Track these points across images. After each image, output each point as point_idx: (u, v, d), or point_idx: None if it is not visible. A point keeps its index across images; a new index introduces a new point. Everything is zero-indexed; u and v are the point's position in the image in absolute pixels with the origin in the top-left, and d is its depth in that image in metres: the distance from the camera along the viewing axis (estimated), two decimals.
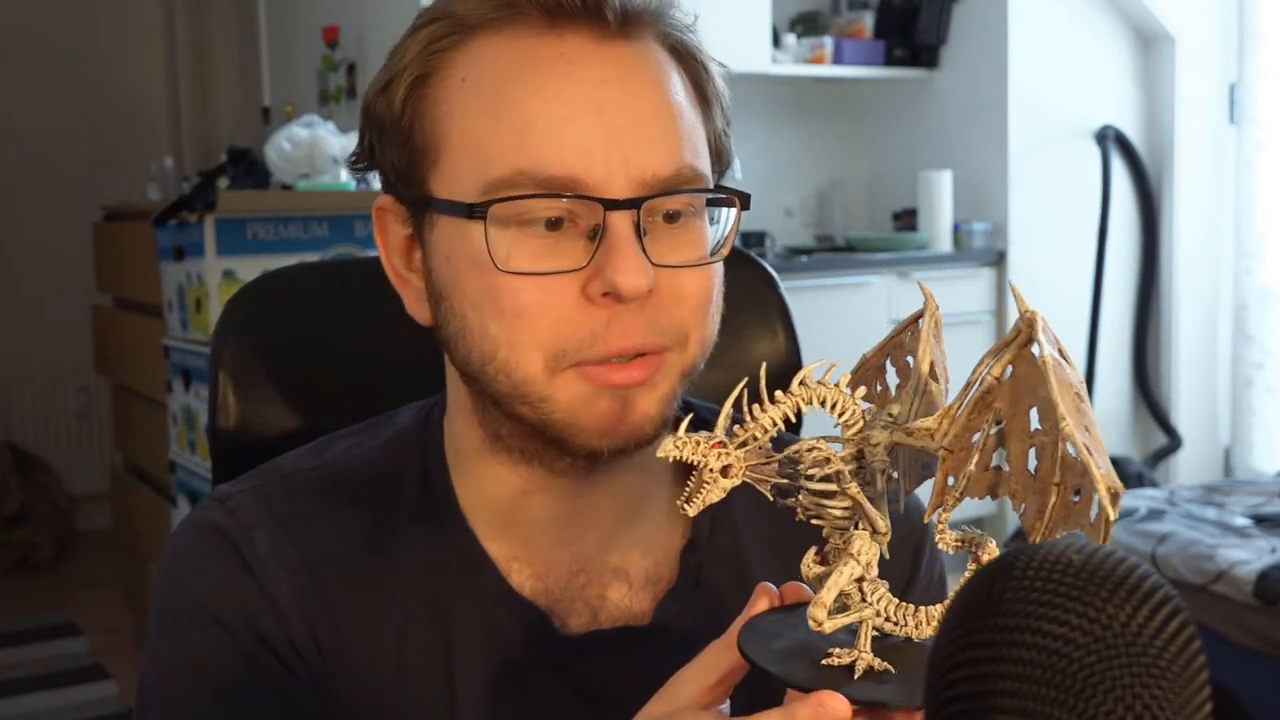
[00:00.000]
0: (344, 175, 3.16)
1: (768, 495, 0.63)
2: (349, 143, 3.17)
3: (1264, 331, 4.52)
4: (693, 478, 0.61)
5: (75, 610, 4.08)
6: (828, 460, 0.61)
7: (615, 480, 0.84)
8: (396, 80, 0.80)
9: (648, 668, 0.79)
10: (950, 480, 0.60)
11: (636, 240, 0.75)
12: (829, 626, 0.61)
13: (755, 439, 0.61)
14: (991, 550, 0.63)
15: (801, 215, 4.71)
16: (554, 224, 0.76)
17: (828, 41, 4.34)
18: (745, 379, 0.63)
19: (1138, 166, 4.47)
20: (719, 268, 0.82)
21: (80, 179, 4.82)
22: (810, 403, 0.61)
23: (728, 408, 0.62)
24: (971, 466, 0.59)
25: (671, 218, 0.78)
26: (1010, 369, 0.59)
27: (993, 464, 0.60)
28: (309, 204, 3.11)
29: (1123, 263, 4.49)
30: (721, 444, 0.60)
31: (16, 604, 4.19)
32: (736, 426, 0.61)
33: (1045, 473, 0.57)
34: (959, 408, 0.59)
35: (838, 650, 0.61)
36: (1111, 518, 0.55)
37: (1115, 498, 0.55)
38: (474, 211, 0.76)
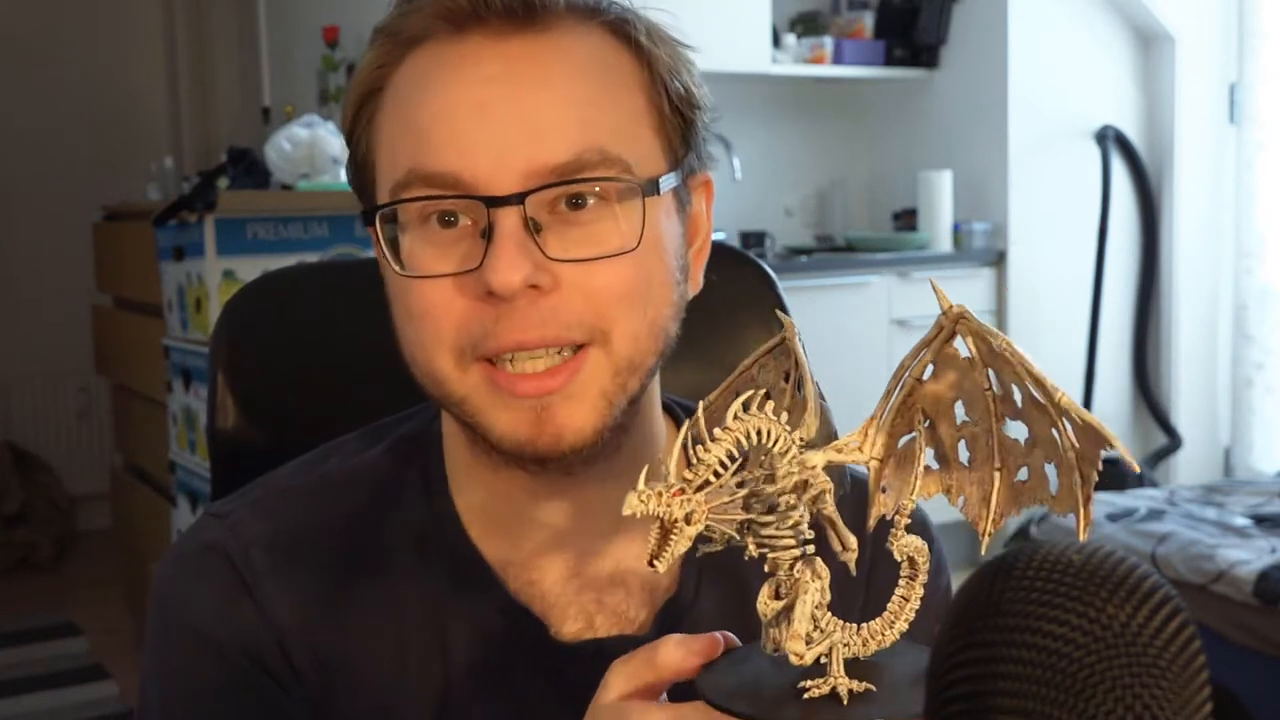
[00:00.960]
0: (344, 175, 3.16)
1: (732, 533, 0.61)
2: None
3: (1264, 331, 4.52)
4: (654, 531, 0.59)
5: (75, 610, 4.08)
6: (807, 484, 0.60)
7: (606, 485, 0.82)
8: (349, 99, 0.81)
9: None
10: (883, 488, 0.60)
11: (524, 236, 0.74)
12: (809, 657, 0.60)
13: (710, 480, 0.59)
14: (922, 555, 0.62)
15: (801, 215, 4.71)
16: (448, 221, 0.76)
17: (828, 41, 4.34)
18: (690, 417, 0.62)
19: (1138, 166, 4.46)
20: (654, 259, 0.78)
21: (80, 179, 4.81)
22: (748, 435, 0.59)
23: (677, 451, 0.59)
24: (921, 467, 0.59)
25: (576, 205, 0.76)
26: (931, 368, 0.59)
27: (924, 464, 0.60)
28: (309, 204, 3.11)
29: (1123, 263, 4.49)
30: (681, 491, 0.58)
31: (16, 604, 4.19)
32: (687, 471, 0.59)
33: (982, 460, 0.58)
34: (882, 415, 0.59)
35: (813, 682, 0.60)
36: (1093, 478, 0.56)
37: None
38: (367, 219, 0.78)
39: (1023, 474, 0.58)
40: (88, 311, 4.44)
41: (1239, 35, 4.51)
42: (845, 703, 0.59)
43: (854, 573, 0.64)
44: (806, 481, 0.60)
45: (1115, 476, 4.18)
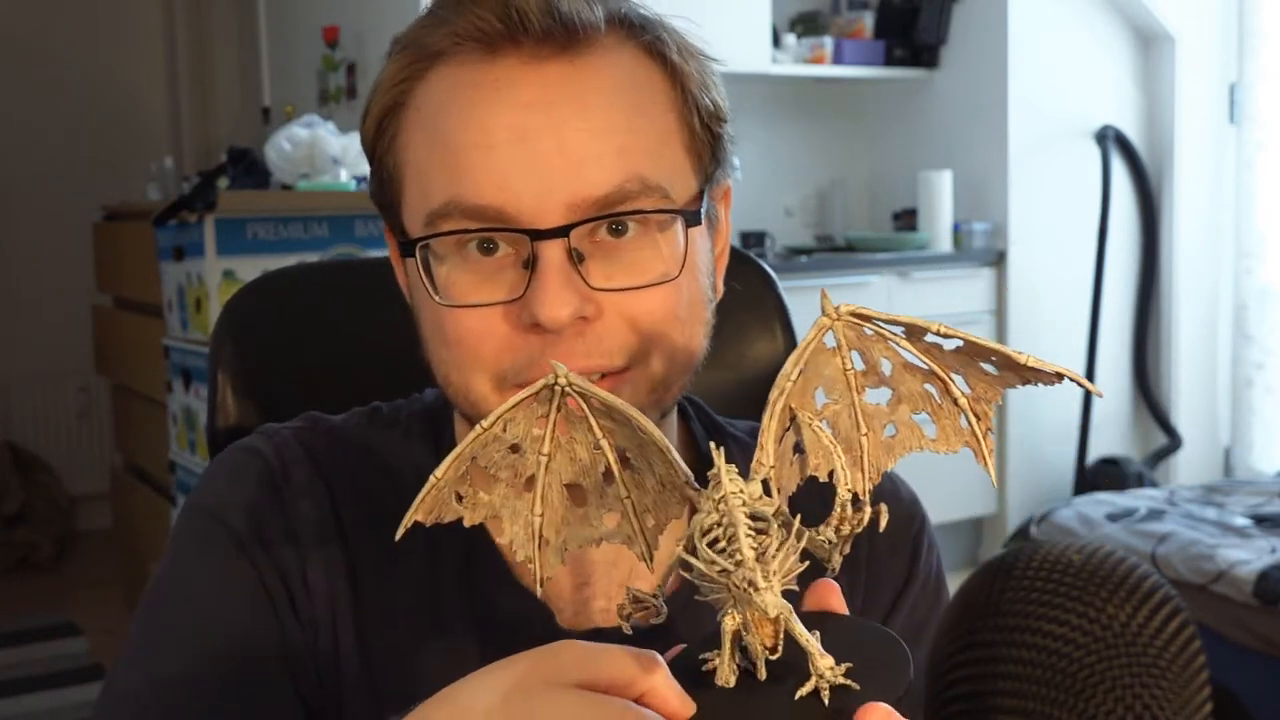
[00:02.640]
0: (344, 175, 3.16)
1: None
2: (349, 143, 3.17)
3: (1264, 331, 4.52)
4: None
5: (75, 610, 4.08)
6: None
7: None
8: (370, 112, 0.81)
9: None
10: (777, 489, 0.62)
11: (569, 268, 0.74)
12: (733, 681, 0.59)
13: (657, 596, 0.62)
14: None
15: (801, 215, 4.71)
16: (488, 250, 0.76)
17: (828, 41, 4.34)
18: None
19: (1138, 166, 4.46)
20: (693, 280, 0.79)
21: (80, 179, 4.82)
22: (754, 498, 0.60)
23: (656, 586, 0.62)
24: (790, 459, 0.63)
25: (617, 232, 0.76)
26: (800, 370, 0.62)
27: (793, 457, 0.64)
28: (309, 204, 3.11)
29: (1123, 263, 4.49)
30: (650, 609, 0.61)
31: (16, 604, 4.19)
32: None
33: (848, 430, 0.63)
34: (765, 428, 0.61)
35: (804, 687, 0.60)
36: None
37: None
38: (407, 250, 0.78)
39: (889, 430, 0.63)
40: (88, 311, 4.44)
41: (1239, 35, 4.51)
42: (858, 687, 0.59)
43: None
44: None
45: (1115, 476, 4.18)
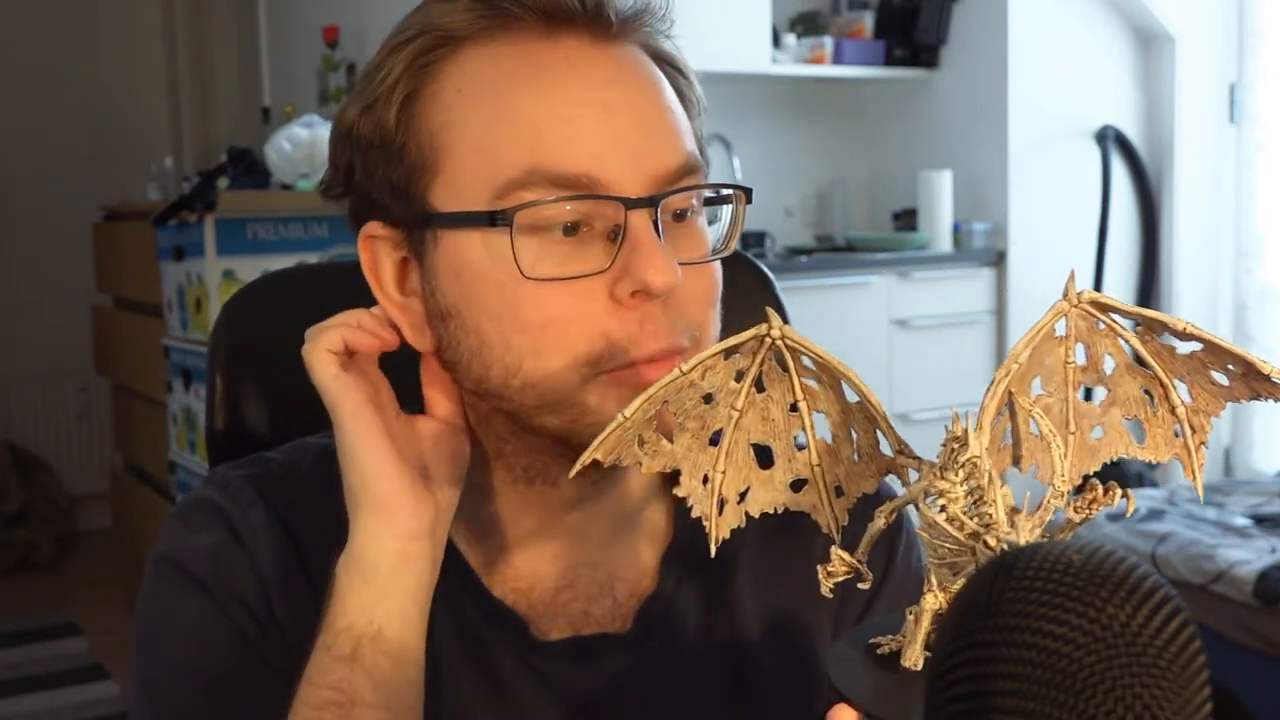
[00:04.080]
0: None
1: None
2: None
3: (1264, 331, 4.52)
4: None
5: (75, 610, 4.08)
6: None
7: (603, 498, 0.84)
8: (384, 99, 0.78)
9: (625, 673, 0.79)
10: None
11: (658, 237, 0.74)
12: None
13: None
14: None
15: (801, 215, 4.71)
16: (571, 229, 0.75)
17: (828, 41, 4.34)
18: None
19: (1138, 166, 4.47)
20: (718, 266, 0.82)
21: (80, 179, 4.81)
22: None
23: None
24: (998, 446, 0.62)
25: (679, 216, 0.78)
26: (1030, 353, 0.61)
27: (1003, 444, 0.62)
28: (309, 204, 3.11)
29: (1123, 263, 4.49)
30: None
31: (16, 604, 4.19)
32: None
33: (1057, 424, 0.61)
34: (984, 411, 0.60)
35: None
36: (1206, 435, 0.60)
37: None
38: (497, 219, 0.74)
39: (1097, 433, 0.62)
40: (88, 311, 4.44)
41: (1239, 35, 4.51)
42: None
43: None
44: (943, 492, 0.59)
45: (1115, 476, 4.17)
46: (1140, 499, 3.33)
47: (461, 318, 0.78)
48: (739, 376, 0.62)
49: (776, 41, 4.25)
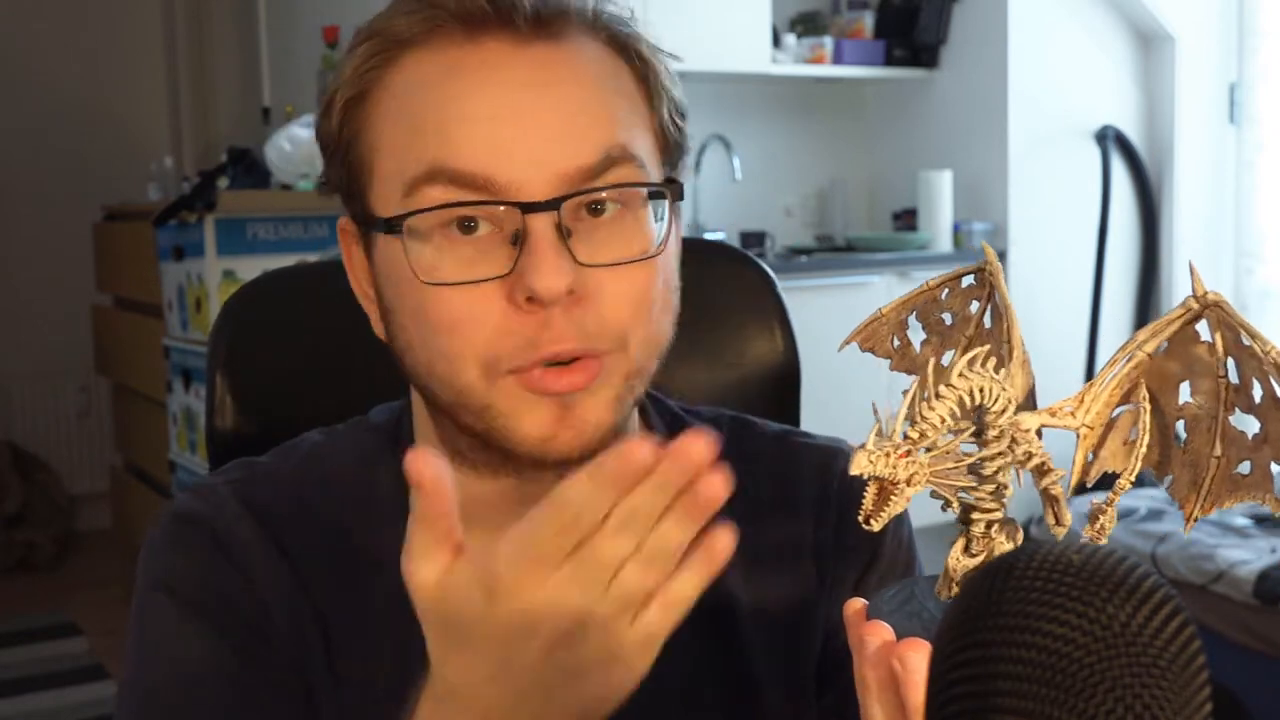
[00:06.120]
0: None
1: (950, 499, 0.61)
2: None
3: (1264, 331, 4.50)
4: (871, 489, 0.58)
5: (75, 610, 4.08)
6: (1017, 446, 0.59)
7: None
8: (334, 101, 0.80)
9: None
10: (1089, 456, 0.60)
11: (559, 241, 0.74)
12: None
13: (934, 443, 0.58)
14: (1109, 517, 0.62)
15: (801, 215, 4.71)
16: (469, 228, 0.75)
17: (828, 41, 4.34)
18: (914, 379, 0.60)
19: (1138, 166, 4.46)
20: (667, 263, 0.80)
21: (80, 179, 4.81)
22: (970, 393, 0.58)
23: (904, 406, 0.59)
24: (1145, 439, 0.60)
25: (596, 211, 0.76)
26: (1165, 346, 0.58)
27: (1130, 438, 0.60)
28: (309, 204, 3.11)
29: (1123, 263, 4.49)
30: (908, 453, 0.57)
31: (16, 604, 4.19)
32: (911, 430, 0.58)
33: (1199, 445, 0.57)
34: (1102, 384, 0.59)
35: None
36: None
37: None
38: (391, 226, 0.76)
39: (1244, 467, 0.57)
40: (88, 311, 4.45)
41: (1239, 35, 4.51)
42: None
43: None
44: (1016, 443, 0.59)
45: (1113, 476, 4.17)
46: (1140, 499, 3.33)
47: (395, 315, 0.80)
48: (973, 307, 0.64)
49: (776, 41, 4.24)
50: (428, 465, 0.57)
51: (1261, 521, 3.07)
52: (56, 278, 4.85)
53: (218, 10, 5.06)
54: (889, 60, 4.44)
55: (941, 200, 4.22)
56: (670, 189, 0.79)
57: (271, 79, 4.49)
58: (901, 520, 0.94)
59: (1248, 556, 2.82)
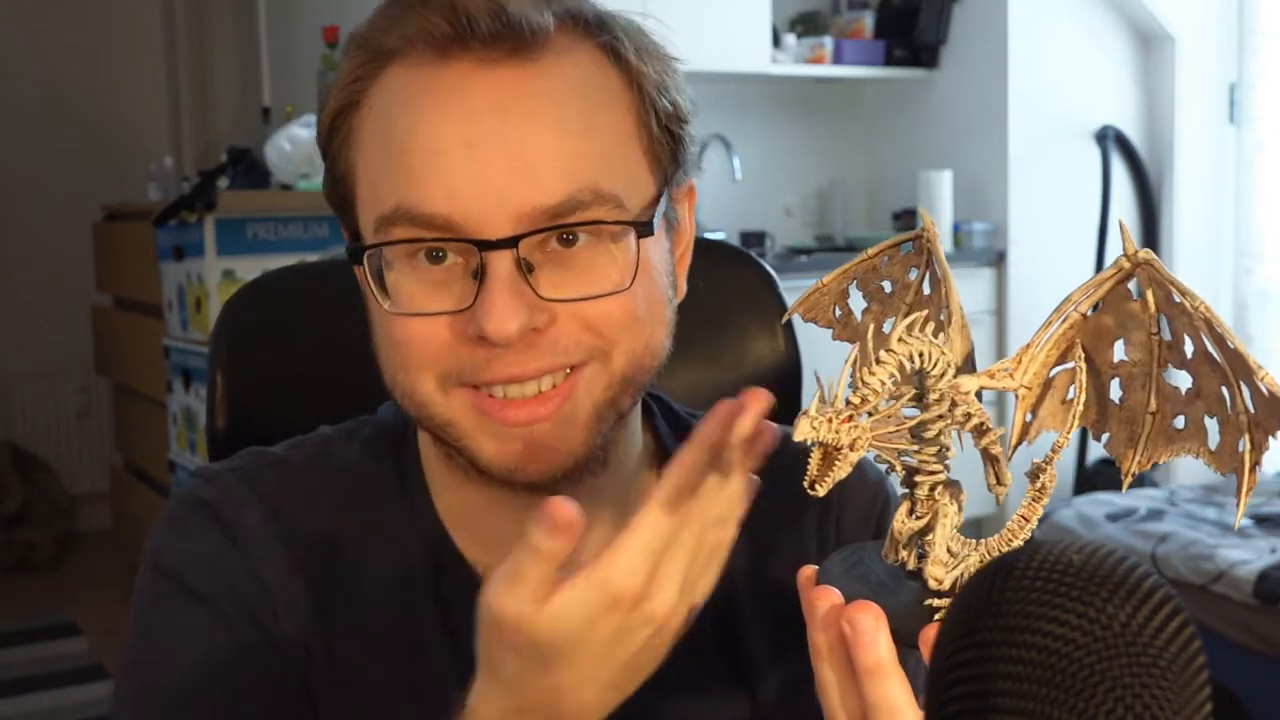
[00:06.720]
0: None
1: (893, 463, 0.62)
2: None
3: (1264, 331, 4.52)
4: (815, 455, 0.59)
5: (75, 610, 4.08)
6: (956, 407, 0.60)
7: (578, 489, 0.82)
8: (325, 110, 0.80)
9: None
10: (1028, 417, 0.61)
11: (518, 279, 0.73)
12: (947, 581, 0.61)
13: (876, 408, 0.59)
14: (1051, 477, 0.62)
15: (801, 215, 4.71)
16: (438, 258, 0.75)
17: (828, 41, 4.34)
18: (854, 347, 0.62)
19: (1138, 166, 4.46)
20: (647, 287, 0.78)
21: (80, 179, 4.81)
22: (910, 358, 0.59)
23: (844, 372, 0.59)
24: (1082, 398, 0.60)
25: (568, 241, 0.74)
26: (1100, 304, 0.59)
27: (1068, 397, 0.61)
28: (309, 204, 3.11)
29: None
30: (850, 418, 0.58)
31: (16, 604, 4.19)
32: (850, 394, 0.59)
33: (1135, 402, 0.59)
34: (1039, 345, 0.60)
35: (940, 602, 0.62)
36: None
37: None
38: (354, 257, 0.78)
39: (1179, 422, 0.58)
40: (88, 311, 4.45)
41: (1239, 35, 4.51)
42: None
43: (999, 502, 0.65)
44: (955, 404, 0.60)
45: (1115, 477, 4.18)
46: (1140, 499, 3.33)
47: (372, 327, 0.81)
48: (912, 275, 0.65)
49: (776, 41, 4.24)
50: (569, 509, 0.61)
51: (1262, 521, 3.07)
52: (56, 278, 4.85)
53: (218, 10, 5.06)
54: (889, 60, 4.44)
55: (941, 200, 4.22)
56: (635, 227, 0.76)
57: (271, 79, 4.50)
58: (891, 500, 0.94)
59: (1248, 556, 2.82)
